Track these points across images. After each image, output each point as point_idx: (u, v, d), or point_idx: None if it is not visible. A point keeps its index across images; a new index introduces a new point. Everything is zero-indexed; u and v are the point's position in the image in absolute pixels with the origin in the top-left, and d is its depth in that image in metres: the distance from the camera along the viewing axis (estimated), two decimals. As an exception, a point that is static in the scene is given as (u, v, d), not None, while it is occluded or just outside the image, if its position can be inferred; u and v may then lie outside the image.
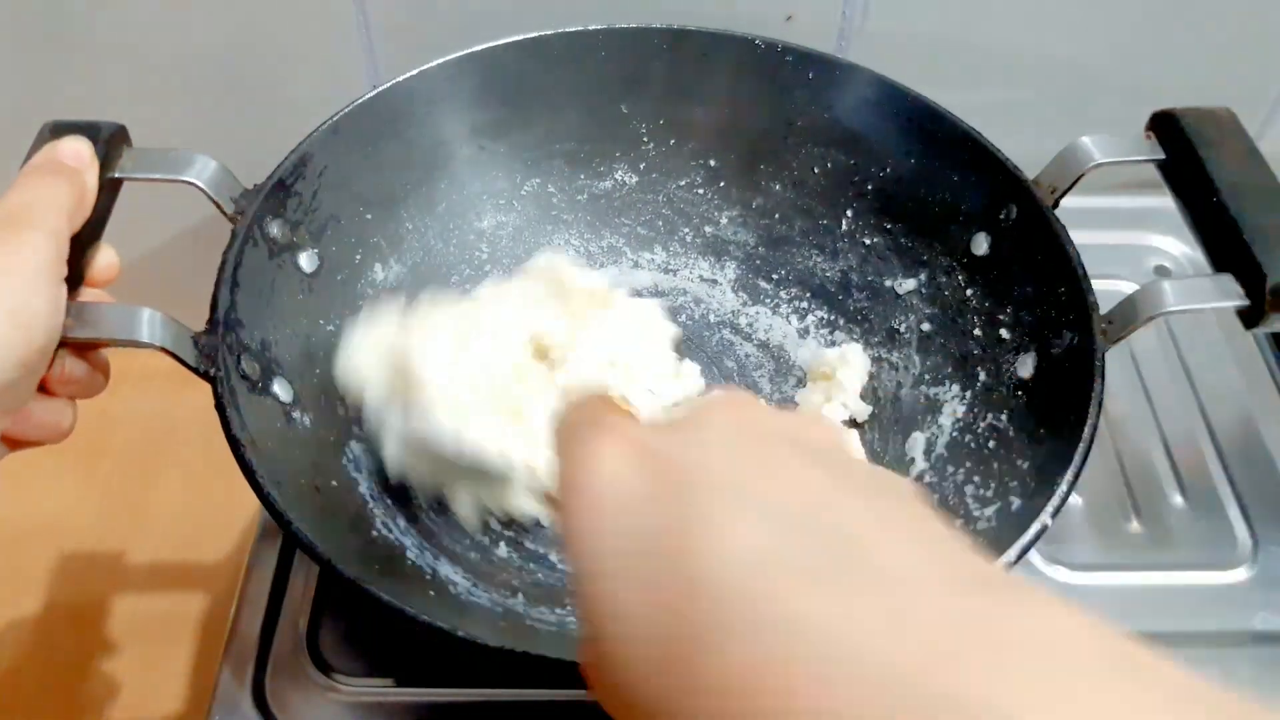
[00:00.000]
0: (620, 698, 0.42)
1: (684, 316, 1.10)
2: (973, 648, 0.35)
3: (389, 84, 0.97)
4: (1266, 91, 1.18)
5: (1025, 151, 0.92)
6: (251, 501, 0.77)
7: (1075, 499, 1.01)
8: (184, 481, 1.24)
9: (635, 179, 1.11)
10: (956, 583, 0.39)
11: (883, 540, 0.40)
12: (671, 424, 0.47)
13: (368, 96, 0.96)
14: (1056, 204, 0.90)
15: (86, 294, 0.76)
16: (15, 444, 0.71)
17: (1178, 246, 1.21)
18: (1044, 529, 0.74)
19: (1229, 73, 1.04)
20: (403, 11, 1.07)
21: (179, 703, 1.07)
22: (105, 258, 0.78)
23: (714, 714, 0.37)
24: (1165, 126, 0.89)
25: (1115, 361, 1.03)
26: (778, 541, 0.39)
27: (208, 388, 0.76)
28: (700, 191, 1.11)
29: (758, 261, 1.11)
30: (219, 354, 0.77)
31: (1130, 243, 1.21)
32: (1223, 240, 0.81)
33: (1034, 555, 0.99)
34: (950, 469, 0.91)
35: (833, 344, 1.06)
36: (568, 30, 1.03)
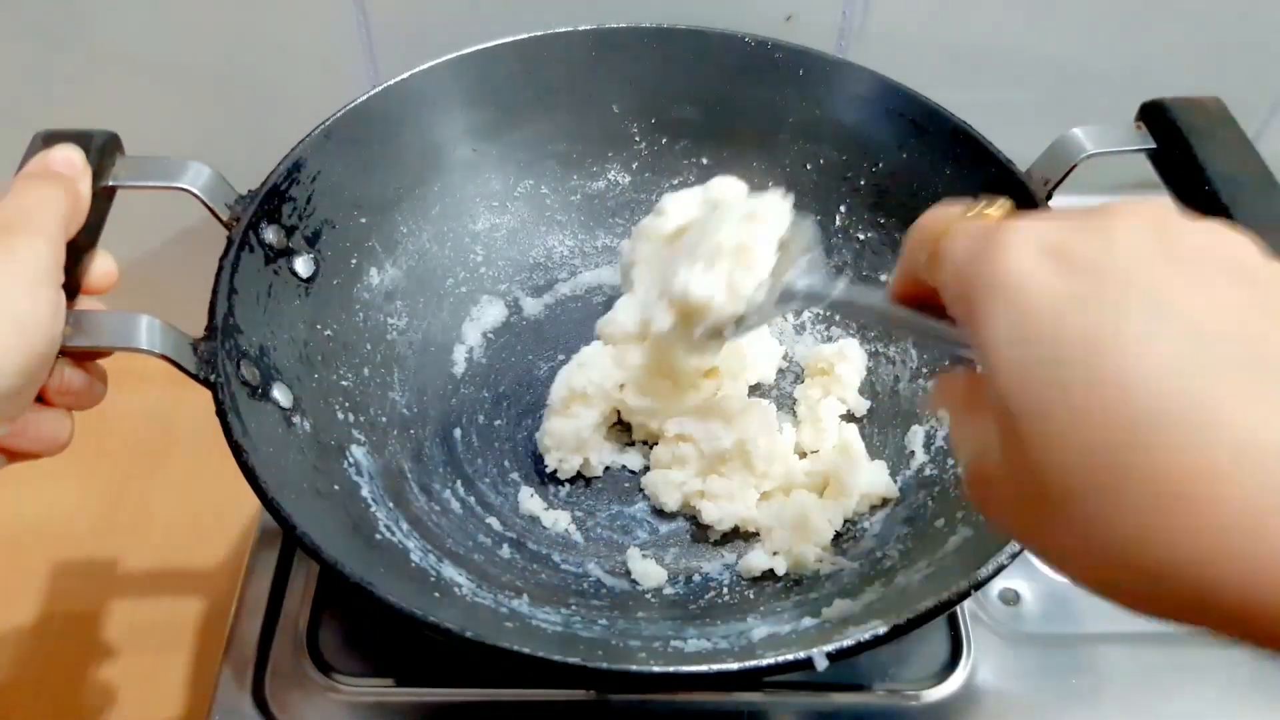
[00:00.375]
0: (1031, 494, 0.44)
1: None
2: None
3: (380, 88, 0.97)
4: (1265, 92, 1.18)
5: (1020, 147, 0.92)
6: (250, 503, 0.77)
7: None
8: (183, 483, 1.24)
9: (628, 179, 1.11)
10: None
11: None
12: (1080, 221, 0.47)
13: (359, 101, 0.96)
14: (1050, 195, 0.90)
15: (84, 302, 0.75)
16: (14, 456, 0.71)
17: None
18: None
19: (1227, 74, 1.05)
20: (403, 13, 1.07)
21: (179, 705, 1.07)
22: (102, 265, 0.78)
23: (1140, 510, 0.40)
24: (1155, 116, 0.89)
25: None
26: (1201, 353, 0.40)
27: (205, 389, 0.76)
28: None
29: (752, 259, 1.10)
30: (218, 360, 0.76)
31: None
32: (1215, 229, 0.82)
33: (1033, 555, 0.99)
34: (950, 462, 0.91)
35: (829, 339, 1.07)
36: (558, 30, 1.03)
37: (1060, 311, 0.43)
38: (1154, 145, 0.89)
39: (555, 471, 0.97)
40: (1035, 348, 0.44)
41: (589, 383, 0.95)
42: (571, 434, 0.95)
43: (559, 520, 0.94)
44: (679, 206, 0.95)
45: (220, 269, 0.82)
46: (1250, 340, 0.41)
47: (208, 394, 0.76)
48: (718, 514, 0.92)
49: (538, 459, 0.98)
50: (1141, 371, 0.40)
